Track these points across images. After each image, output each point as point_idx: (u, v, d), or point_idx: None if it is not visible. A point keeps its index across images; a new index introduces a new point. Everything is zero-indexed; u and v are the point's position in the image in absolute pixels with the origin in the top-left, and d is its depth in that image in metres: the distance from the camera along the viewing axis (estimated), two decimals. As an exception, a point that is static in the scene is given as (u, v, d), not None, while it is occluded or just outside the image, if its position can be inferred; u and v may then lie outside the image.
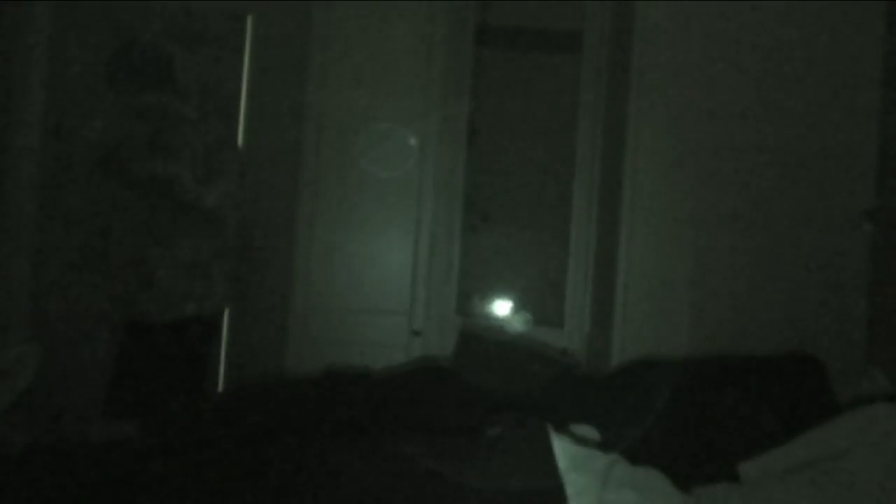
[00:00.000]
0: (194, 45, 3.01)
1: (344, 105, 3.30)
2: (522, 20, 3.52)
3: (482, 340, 2.72)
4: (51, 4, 2.76)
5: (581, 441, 1.80)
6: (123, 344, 2.69)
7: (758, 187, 2.75)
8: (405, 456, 1.72)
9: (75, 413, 2.55)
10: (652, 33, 2.80)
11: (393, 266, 3.28)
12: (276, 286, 3.27)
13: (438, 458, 1.68)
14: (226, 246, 2.80)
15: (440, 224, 3.35)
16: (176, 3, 2.98)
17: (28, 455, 1.85)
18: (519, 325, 3.33)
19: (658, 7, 2.79)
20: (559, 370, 2.57)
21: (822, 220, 2.73)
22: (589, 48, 3.36)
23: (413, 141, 3.28)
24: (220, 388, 3.14)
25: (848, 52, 2.74)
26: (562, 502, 1.55)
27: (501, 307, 3.48)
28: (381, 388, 2.39)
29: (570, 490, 1.58)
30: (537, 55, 3.62)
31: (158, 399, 2.48)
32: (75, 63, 2.78)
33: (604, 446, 1.84)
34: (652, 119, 2.80)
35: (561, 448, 1.66)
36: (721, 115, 2.77)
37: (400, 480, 1.65)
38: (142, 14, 2.93)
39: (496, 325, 3.36)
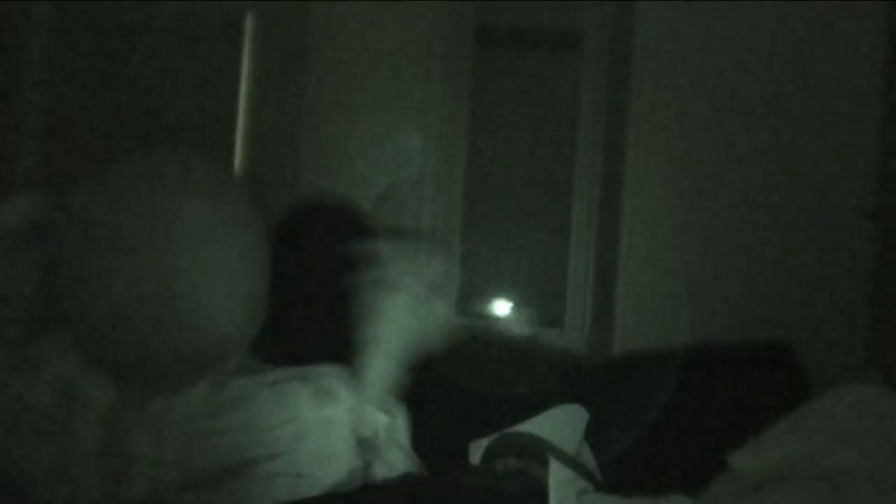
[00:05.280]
0: (194, 45, 3.01)
1: (343, 104, 3.30)
2: (522, 20, 3.51)
3: (482, 341, 2.71)
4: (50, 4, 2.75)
5: (584, 473, 1.75)
6: None
7: (759, 187, 2.75)
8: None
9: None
10: (652, 33, 2.80)
11: (393, 266, 3.27)
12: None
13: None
14: None
15: (440, 224, 3.34)
16: (175, 2, 2.97)
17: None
18: (519, 325, 3.32)
19: (658, 7, 2.79)
20: (559, 371, 2.56)
21: (823, 220, 2.73)
22: (589, 48, 3.36)
23: (413, 141, 3.28)
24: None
25: (849, 51, 2.74)
26: None
27: (501, 307, 3.47)
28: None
29: None
30: (537, 55, 3.61)
31: None
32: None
33: (598, 474, 1.79)
34: (653, 119, 2.80)
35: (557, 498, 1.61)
36: (722, 114, 2.77)
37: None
38: (141, 14, 2.93)
39: (496, 325, 3.35)
